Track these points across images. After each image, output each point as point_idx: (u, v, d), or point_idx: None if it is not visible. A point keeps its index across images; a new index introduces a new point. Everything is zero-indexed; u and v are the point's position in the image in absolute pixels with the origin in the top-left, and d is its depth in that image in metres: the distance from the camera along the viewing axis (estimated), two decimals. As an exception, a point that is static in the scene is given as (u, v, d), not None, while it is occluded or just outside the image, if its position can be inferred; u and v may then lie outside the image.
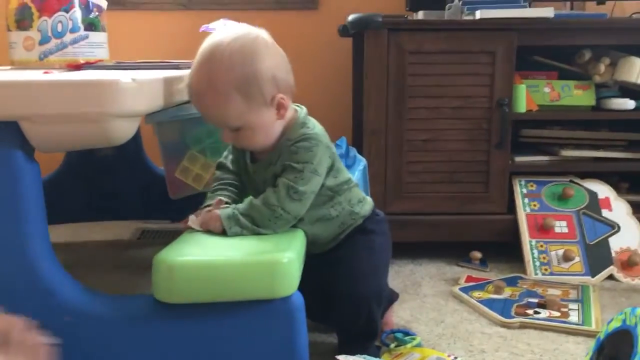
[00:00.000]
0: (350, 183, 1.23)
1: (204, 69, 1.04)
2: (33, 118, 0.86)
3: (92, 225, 2.14)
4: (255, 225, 1.06)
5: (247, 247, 1.02)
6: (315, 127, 1.16)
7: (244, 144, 1.14)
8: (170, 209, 1.70)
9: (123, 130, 0.91)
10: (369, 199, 1.30)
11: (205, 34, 1.14)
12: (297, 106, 1.19)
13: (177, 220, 1.98)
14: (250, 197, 1.10)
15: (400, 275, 1.74)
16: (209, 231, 1.08)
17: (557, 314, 1.45)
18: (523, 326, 1.40)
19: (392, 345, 1.27)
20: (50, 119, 0.86)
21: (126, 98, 0.88)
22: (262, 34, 1.10)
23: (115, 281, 1.72)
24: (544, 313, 1.45)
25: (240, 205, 1.09)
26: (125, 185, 1.99)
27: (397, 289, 1.57)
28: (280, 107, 1.10)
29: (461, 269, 1.80)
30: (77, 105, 0.86)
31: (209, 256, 0.96)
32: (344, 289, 1.20)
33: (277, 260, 0.95)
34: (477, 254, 1.81)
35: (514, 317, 1.43)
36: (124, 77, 0.88)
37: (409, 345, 1.26)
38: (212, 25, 1.45)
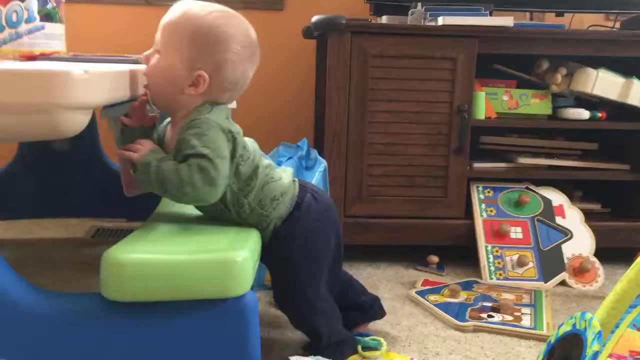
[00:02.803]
0: (265, 177, 1.12)
1: (183, 5, 1.07)
2: (-22, 107, 0.82)
3: (44, 222, 2.09)
4: (162, 187, 1.02)
5: (201, 244, 1.00)
6: (212, 115, 1.07)
7: (145, 72, 1.09)
8: (126, 207, 1.66)
9: (73, 123, 0.88)
10: (290, 191, 1.15)
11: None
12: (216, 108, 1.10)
13: (133, 219, 1.93)
14: (174, 161, 1.03)
15: (358, 278, 1.73)
16: (161, 226, 1.08)
17: (510, 318, 1.47)
18: (477, 330, 1.42)
19: (360, 350, 1.27)
20: (-3, 108, 0.83)
21: (77, 89, 0.85)
22: (249, 26, 1.11)
23: (67, 280, 1.67)
24: (498, 317, 1.47)
25: (163, 163, 1.02)
26: (80, 181, 1.94)
27: (354, 292, 1.57)
28: (195, 83, 1.05)
29: (418, 272, 1.81)
30: (26, 95, 0.83)
31: (160, 253, 0.94)
32: (275, 300, 1.24)
33: (230, 259, 0.94)
34: (434, 258, 1.83)
35: (468, 321, 1.44)
36: (76, 68, 0.86)
37: (382, 350, 1.27)
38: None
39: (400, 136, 1.79)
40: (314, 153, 1.78)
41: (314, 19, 1.74)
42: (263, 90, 2.18)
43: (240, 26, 1.08)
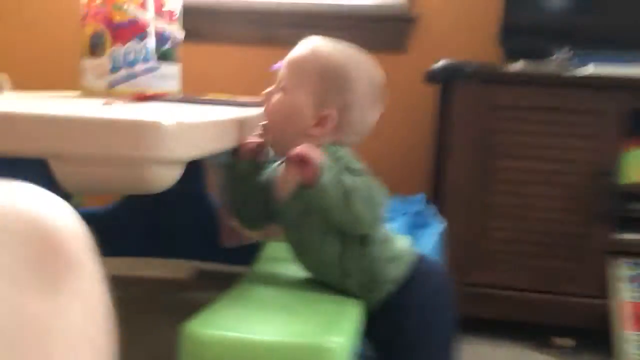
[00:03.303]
0: (384, 232, 1.01)
1: (313, 42, 1.02)
2: (63, 156, 0.76)
3: (150, 260, 2.07)
4: (346, 197, 0.90)
5: (293, 320, 0.87)
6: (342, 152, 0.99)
7: (267, 110, 1.01)
8: (229, 252, 1.61)
9: (161, 178, 0.79)
10: (407, 254, 1.02)
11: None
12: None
13: (235, 263, 1.85)
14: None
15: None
16: (253, 291, 0.97)
17: None
18: None
19: None
20: (81, 159, 0.75)
21: (167, 142, 0.76)
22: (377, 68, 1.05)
23: (166, 324, 1.61)
24: None
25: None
26: (184, 223, 1.90)
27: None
28: (321, 123, 0.97)
29: (547, 357, 1.57)
30: (111, 147, 0.75)
31: (244, 332, 0.82)
32: None
33: (324, 346, 0.80)
34: (567, 342, 1.58)
35: None
36: (169, 118, 0.77)
37: None
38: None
39: (531, 198, 1.58)
40: (431, 209, 1.61)
41: (438, 64, 1.60)
42: (379, 135, 2.05)
43: (368, 68, 1.03)
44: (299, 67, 0.99)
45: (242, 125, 1.02)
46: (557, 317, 1.59)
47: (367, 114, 1.02)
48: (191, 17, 1.60)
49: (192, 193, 1.86)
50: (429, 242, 1.54)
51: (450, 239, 1.57)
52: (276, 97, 0.99)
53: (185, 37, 1.54)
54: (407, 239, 1.07)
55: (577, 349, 1.58)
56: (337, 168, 0.90)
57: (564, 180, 1.56)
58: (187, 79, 1.59)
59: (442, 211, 1.61)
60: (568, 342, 1.57)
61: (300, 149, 0.90)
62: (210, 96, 1.53)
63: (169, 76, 1.55)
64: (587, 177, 1.55)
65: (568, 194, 1.56)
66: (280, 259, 1.26)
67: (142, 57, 1.49)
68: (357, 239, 0.97)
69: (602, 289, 1.58)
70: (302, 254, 1.05)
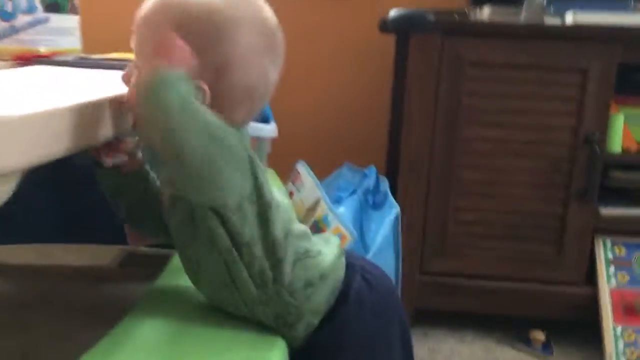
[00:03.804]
0: (299, 250, 0.74)
1: None
2: None
3: (67, 246, 1.79)
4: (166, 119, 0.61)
5: None
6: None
7: (127, 99, 0.69)
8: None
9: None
10: (332, 274, 0.76)
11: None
12: None
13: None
14: None
15: (438, 354, 1.32)
16: (146, 325, 0.71)
17: None
18: None
19: None
20: None
21: None
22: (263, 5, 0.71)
23: (74, 328, 1.35)
24: None
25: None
26: (101, 203, 1.62)
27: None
28: None
29: (516, 353, 1.36)
30: None
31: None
32: None
33: None
34: (540, 335, 1.37)
35: None
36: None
37: None
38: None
39: (502, 173, 1.33)
40: (384, 185, 1.36)
41: (393, 13, 1.31)
42: (323, 97, 1.77)
43: (249, 7, 0.69)
44: (148, 28, 0.68)
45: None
46: (533, 308, 1.37)
47: (259, 74, 0.70)
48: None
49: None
50: (380, 230, 1.29)
51: (406, 222, 1.34)
52: (133, 78, 0.69)
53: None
54: (336, 244, 0.81)
55: (554, 342, 1.38)
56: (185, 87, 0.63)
57: (540, 150, 1.31)
58: (93, 33, 1.30)
59: (398, 188, 1.37)
60: (543, 335, 1.36)
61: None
62: (115, 55, 1.23)
63: (65, 31, 1.25)
64: (568, 146, 1.31)
65: (545, 166, 1.32)
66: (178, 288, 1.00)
67: (23, 6, 1.18)
68: (262, 262, 0.71)
69: (584, 275, 1.37)
70: (195, 277, 0.79)
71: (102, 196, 1.71)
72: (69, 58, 1.15)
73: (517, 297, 1.37)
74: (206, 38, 0.66)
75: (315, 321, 0.75)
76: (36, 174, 1.65)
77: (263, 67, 0.70)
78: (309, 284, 0.74)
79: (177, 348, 0.73)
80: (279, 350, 0.74)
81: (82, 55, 1.23)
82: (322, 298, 0.75)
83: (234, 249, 0.70)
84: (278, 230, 0.71)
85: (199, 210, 0.70)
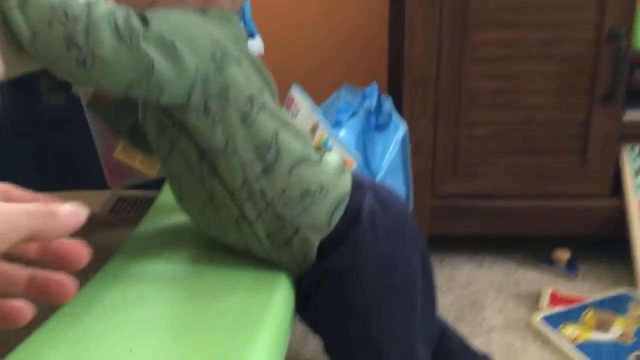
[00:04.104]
0: (295, 153, 0.64)
1: None
2: None
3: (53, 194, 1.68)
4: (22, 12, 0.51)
5: (171, 343, 0.52)
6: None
7: None
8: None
9: None
10: (336, 187, 0.67)
11: None
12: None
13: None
14: None
15: (454, 286, 1.23)
16: (111, 290, 0.60)
17: None
18: (653, 406, 0.89)
19: None
20: None
21: None
22: None
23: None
24: (684, 378, 0.93)
25: None
26: (83, 146, 1.50)
27: (451, 312, 1.08)
28: None
29: (539, 275, 1.27)
30: None
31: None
32: None
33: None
34: (564, 254, 1.27)
35: (636, 388, 0.91)
36: None
37: None
38: None
39: (517, 79, 1.20)
40: (388, 104, 1.23)
41: None
42: (315, 11, 1.61)
43: None
44: None
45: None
46: (555, 225, 1.27)
47: None
48: None
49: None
50: (386, 153, 1.17)
51: (414, 142, 1.22)
52: None
53: None
54: (337, 159, 0.71)
55: (580, 261, 1.29)
56: None
57: (560, 51, 1.17)
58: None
59: (403, 106, 1.24)
60: (567, 254, 1.27)
61: None
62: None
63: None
64: (590, 45, 1.17)
65: (565, 69, 1.19)
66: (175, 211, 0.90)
67: None
68: (250, 163, 0.62)
69: (609, 187, 1.26)
70: (179, 196, 0.70)
71: (79, 139, 1.58)
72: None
73: (538, 215, 1.27)
74: None
75: (315, 240, 0.66)
76: (9, 123, 1.51)
77: None
78: (306, 194, 0.64)
79: (170, 295, 0.63)
80: (282, 290, 0.64)
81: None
82: (321, 212, 0.65)
83: (203, 160, 0.62)
84: (265, 129, 0.62)
85: (157, 115, 0.63)
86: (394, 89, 1.39)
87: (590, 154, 1.23)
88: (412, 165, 1.16)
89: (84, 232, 1.20)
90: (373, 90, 1.23)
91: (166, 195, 0.98)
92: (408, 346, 0.71)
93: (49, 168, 1.52)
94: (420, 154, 1.23)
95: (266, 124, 0.62)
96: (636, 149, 1.27)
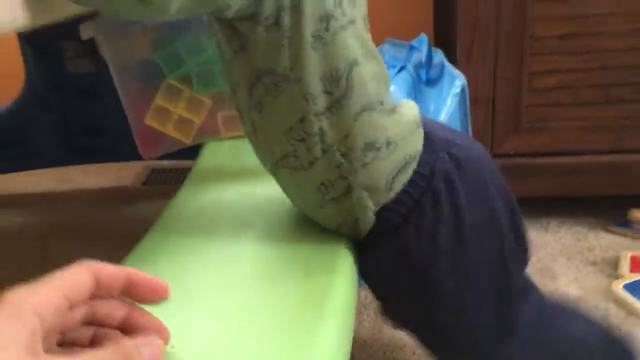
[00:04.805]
0: (371, 91, 0.53)
1: None
2: None
3: (86, 167, 1.60)
4: None
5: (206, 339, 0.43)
6: None
7: None
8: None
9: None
10: (410, 144, 0.56)
11: None
12: None
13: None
14: None
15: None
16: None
17: None
18: None
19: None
20: None
21: None
22: None
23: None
24: None
25: None
26: (113, 115, 1.42)
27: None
28: None
29: (615, 238, 1.15)
30: None
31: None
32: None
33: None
34: (640, 214, 1.15)
35: None
36: None
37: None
38: None
39: (588, 21, 1.06)
40: (439, 56, 1.12)
41: None
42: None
43: None
44: None
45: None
46: (632, 184, 1.14)
47: None
48: None
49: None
50: (441, 108, 1.06)
51: (471, 96, 1.10)
52: None
53: None
54: (414, 108, 0.59)
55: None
56: None
57: (638, -14, 1.03)
58: None
59: (458, 55, 1.12)
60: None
61: None
62: None
63: None
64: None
65: (643, 6, 1.05)
66: (222, 173, 0.81)
67: None
68: (319, 97, 0.52)
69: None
70: (259, 146, 0.59)
71: (110, 109, 1.48)
72: None
73: (612, 172, 1.14)
74: None
75: (370, 203, 0.56)
76: (34, 94, 1.43)
77: None
78: (370, 146, 0.54)
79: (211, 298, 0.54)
80: (345, 270, 0.54)
81: None
82: (382, 171, 0.55)
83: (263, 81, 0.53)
84: (339, 56, 0.51)
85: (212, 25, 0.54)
86: (442, 39, 1.26)
87: (672, 103, 1.10)
88: (472, 122, 1.05)
89: (119, 205, 1.11)
90: (422, 41, 1.12)
91: (206, 161, 0.89)
92: (505, 311, 0.61)
93: (79, 139, 1.45)
94: (478, 108, 1.11)
95: (342, 50, 0.51)
96: None
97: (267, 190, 0.67)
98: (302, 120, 0.52)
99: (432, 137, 0.58)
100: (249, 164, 0.78)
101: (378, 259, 0.60)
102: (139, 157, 1.34)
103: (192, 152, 0.99)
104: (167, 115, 0.91)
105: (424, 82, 1.13)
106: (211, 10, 0.49)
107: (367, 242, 0.59)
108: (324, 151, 0.53)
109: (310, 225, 0.61)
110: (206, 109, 0.91)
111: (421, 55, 1.12)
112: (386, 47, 1.22)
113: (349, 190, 0.55)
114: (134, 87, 0.93)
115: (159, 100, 0.90)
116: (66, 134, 1.44)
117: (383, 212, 0.56)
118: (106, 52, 0.89)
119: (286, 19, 0.49)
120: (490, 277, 0.60)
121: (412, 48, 1.13)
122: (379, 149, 0.54)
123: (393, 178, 0.56)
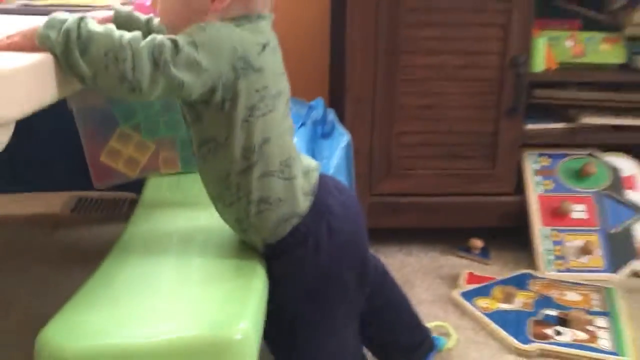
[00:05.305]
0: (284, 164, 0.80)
1: None
2: None
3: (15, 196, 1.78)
4: (80, 48, 0.65)
5: (179, 309, 0.69)
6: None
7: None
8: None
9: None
10: (301, 204, 0.82)
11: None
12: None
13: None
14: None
15: (389, 267, 1.44)
16: (127, 268, 0.77)
17: (584, 335, 1.17)
18: (544, 354, 1.13)
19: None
20: None
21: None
22: None
23: (34, 278, 1.39)
24: (567, 334, 1.18)
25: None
26: (51, 150, 1.62)
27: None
28: None
29: (459, 260, 1.51)
30: None
31: (116, 337, 0.63)
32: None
33: (225, 338, 0.63)
34: (478, 242, 1.52)
35: (532, 342, 1.15)
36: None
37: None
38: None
39: (439, 97, 1.44)
40: (331, 116, 1.44)
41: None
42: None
43: None
44: None
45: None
46: (471, 219, 1.52)
47: None
48: None
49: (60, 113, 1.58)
50: (332, 157, 1.38)
51: (355, 148, 1.42)
52: None
53: None
54: (310, 181, 0.85)
55: (491, 248, 1.54)
56: (52, 27, 0.65)
57: (474, 74, 1.42)
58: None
59: (345, 118, 1.45)
60: (481, 243, 1.51)
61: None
62: (57, 1, 1.22)
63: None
64: (496, 69, 1.42)
65: (477, 88, 1.43)
66: (164, 203, 1.06)
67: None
68: (239, 162, 0.77)
69: (514, 186, 1.51)
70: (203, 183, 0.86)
71: (49, 141, 1.71)
72: (13, 6, 1.15)
73: (457, 210, 1.51)
74: None
75: (258, 241, 0.82)
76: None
77: None
78: (264, 200, 0.79)
79: (165, 282, 0.79)
80: (261, 279, 0.81)
81: (26, 2, 1.21)
82: (269, 220, 0.80)
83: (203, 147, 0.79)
84: (256, 136, 0.76)
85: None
86: (334, 104, 1.60)
87: (498, 159, 1.49)
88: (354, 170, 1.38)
89: (50, 230, 1.38)
90: (318, 103, 1.44)
91: (150, 192, 1.15)
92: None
93: (16, 171, 1.63)
94: (360, 158, 1.44)
95: (258, 132, 0.76)
96: (535, 154, 1.53)
97: (205, 215, 0.93)
98: (228, 175, 0.78)
99: (320, 209, 0.82)
100: (186, 195, 1.06)
101: (271, 273, 0.83)
102: (67, 188, 1.61)
103: (136, 184, 1.24)
104: (118, 155, 1.17)
105: (320, 135, 1.45)
106: (178, 96, 0.74)
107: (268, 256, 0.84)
108: (238, 198, 0.79)
109: (238, 243, 0.86)
110: (150, 151, 1.18)
111: (318, 113, 1.44)
112: (290, 104, 1.54)
113: (249, 227, 0.81)
114: (92, 129, 1.18)
115: (113, 143, 1.16)
116: (8, 165, 1.62)
117: (270, 246, 0.82)
118: (73, 102, 1.14)
119: (227, 106, 0.75)
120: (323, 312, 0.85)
121: (311, 108, 1.45)
122: (270, 203, 0.79)
123: (276, 226, 0.80)
